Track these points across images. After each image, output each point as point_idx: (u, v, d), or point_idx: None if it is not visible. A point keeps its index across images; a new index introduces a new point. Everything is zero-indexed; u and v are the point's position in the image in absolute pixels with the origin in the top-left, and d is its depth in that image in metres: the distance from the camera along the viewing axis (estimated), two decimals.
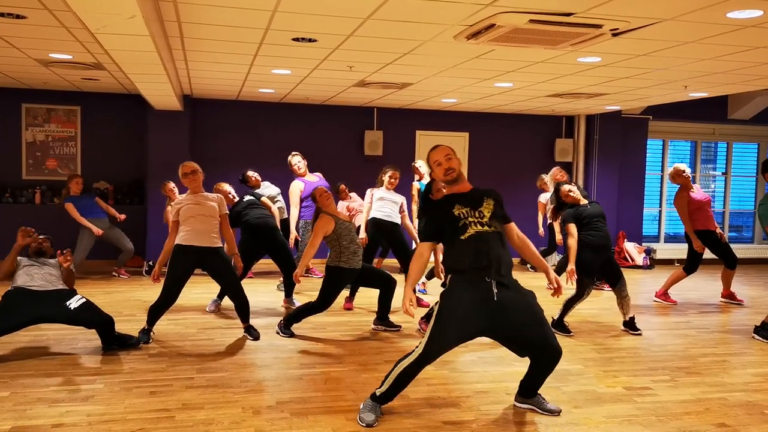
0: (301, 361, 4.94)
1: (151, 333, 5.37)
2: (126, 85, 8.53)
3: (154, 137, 9.35)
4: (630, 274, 10.08)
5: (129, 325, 5.71)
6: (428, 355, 3.60)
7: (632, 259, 10.82)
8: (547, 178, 9.13)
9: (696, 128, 11.67)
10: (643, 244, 11.24)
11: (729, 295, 7.69)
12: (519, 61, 6.30)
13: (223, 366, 4.75)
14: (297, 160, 7.85)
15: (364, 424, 3.67)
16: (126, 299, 7.03)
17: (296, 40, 5.53)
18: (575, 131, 11.08)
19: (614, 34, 4.99)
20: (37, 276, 5.00)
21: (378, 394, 3.78)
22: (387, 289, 5.80)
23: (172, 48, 6.00)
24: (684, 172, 7.18)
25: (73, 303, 4.90)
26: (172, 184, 8.35)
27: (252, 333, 5.52)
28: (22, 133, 9.39)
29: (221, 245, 5.41)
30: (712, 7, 4.24)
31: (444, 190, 4.05)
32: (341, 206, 8.49)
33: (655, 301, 7.69)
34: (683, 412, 4.06)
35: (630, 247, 10.95)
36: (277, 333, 5.66)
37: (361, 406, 3.80)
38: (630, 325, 6.06)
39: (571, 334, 5.94)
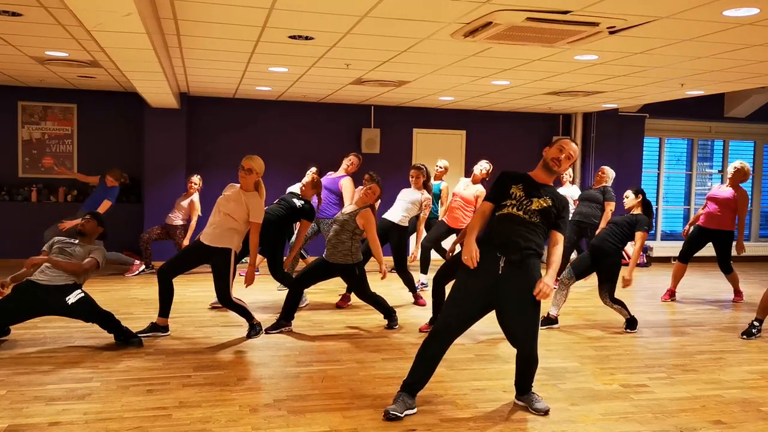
0: (298, 359, 4.94)
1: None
2: (122, 82, 8.51)
3: (151, 135, 9.33)
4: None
5: (126, 322, 5.69)
6: (443, 320, 3.77)
7: (628, 257, 10.81)
8: (571, 171, 9.22)
9: (692, 126, 11.69)
10: None
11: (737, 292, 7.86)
12: (516, 59, 6.31)
13: (220, 364, 4.75)
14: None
15: (390, 412, 3.72)
16: (122, 297, 7.03)
17: (293, 37, 5.52)
18: (572, 129, 11.08)
19: (611, 32, 4.99)
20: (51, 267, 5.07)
21: (404, 380, 3.87)
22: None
23: (168, 46, 5.99)
24: None
25: (72, 298, 4.98)
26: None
27: (250, 331, 5.52)
28: (18, 131, 9.36)
29: (228, 247, 5.27)
30: (709, 5, 4.25)
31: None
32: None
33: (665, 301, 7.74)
34: (679, 409, 4.07)
35: (626, 245, 10.94)
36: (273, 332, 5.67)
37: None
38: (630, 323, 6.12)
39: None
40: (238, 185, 5.43)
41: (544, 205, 3.76)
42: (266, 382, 4.39)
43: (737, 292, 7.80)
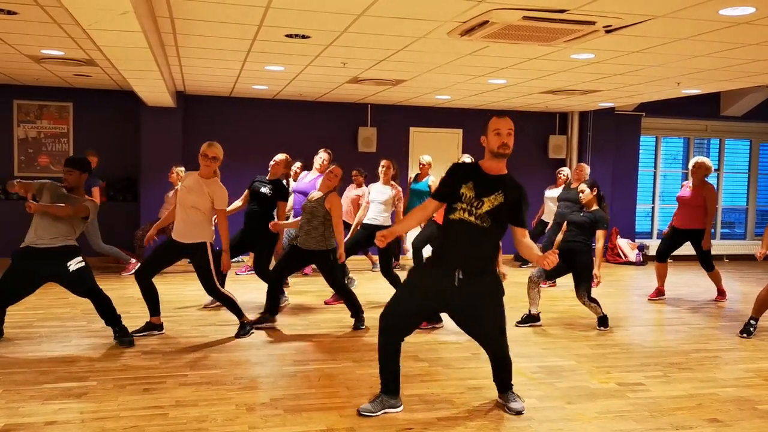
0: (295, 358, 4.94)
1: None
2: (118, 81, 8.49)
3: (147, 134, 9.32)
4: (623, 270, 10.13)
5: (124, 322, 5.68)
6: (385, 316, 3.74)
7: (625, 256, 10.86)
8: (568, 172, 9.17)
9: (688, 125, 11.71)
10: (636, 240, 11.28)
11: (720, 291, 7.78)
12: (512, 58, 6.31)
13: (216, 363, 4.74)
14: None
15: (361, 411, 3.75)
16: (119, 296, 7.00)
17: (289, 36, 5.52)
18: (568, 128, 11.10)
19: (607, 31, 5.00)
20: (47, 223, 4.87)
21: (381, 383, 3.87)
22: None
23: (164, 44, 5.97)
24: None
25: (73, 265, 4.90)
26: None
27: (240, 331, 5.49)
28: (13, 130, 9.34)
29: (202, 240, 5.23)
30: (705, 4, 4.25)
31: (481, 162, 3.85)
32: (355, 193, 8.48)
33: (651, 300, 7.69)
34: (675, 407, 4.08)
35: (623, 243, 10.98)
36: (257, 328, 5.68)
37: None
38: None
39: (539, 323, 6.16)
40: (196, 173, 5.35)
41: (496, 203, 3.61)
42: (263, 381, 4.39)
43: (720, 291, 7.72)
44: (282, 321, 6.03)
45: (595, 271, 5.90)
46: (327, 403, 3.98)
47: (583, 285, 5.95)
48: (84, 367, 4.55)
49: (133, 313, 6.06)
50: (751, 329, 5.94)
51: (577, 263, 5.94)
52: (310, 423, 3.66)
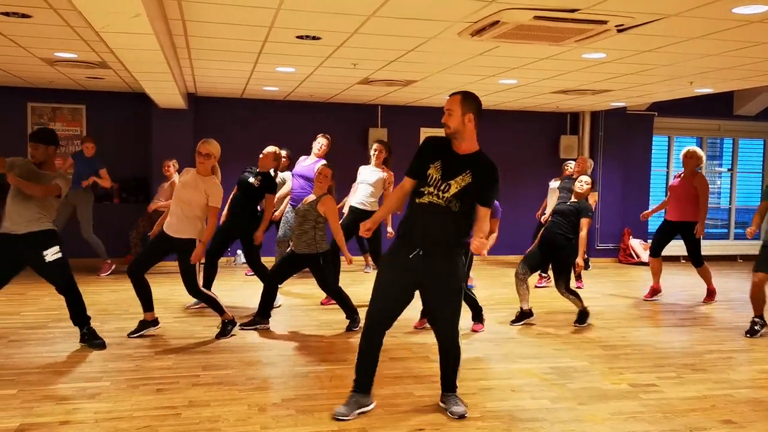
0: (307, 358, 4.95)
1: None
2: (131, 83, 8.54)
3: (159, 135, 9.37)
4: (636, 270, 10.08)
5: (133, 323, 5.72)
6: (371, 316, 3.74)
7: (638, 256, 10.80)
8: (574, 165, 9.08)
9: (701, 124, 11.62)
10: (649, 240, 11.19)
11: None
12: (523, 58, 6.29)
13: (228, 363, 4.76)
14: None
15: (336, 416, 3.72)
16: (132, 297, 7.03)
17: (300, 37, 5.53)
18: (580, 128, 11.05)
19: (619, 30, 4.98)
20: (18, 207, 4.78)
21: (354, 380, 3.86)
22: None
23: (176, 46, 6.01)
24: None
25: (49, 255, 4.83)
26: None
27: (220, 332, 5.47)
28: (27, 132, 9.42)
29: (191, 237, 5.22)
30: (718, 2, 4.23)
31: None
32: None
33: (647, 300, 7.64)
34: (689, 408, 4.06)
35: (635, 243, 10.92)
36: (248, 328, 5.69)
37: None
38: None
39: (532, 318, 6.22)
40: (194, 170, 5.37)
41: (463, 184, 3.59)
42: (275, 381, 4.40)
43: (709, 292, 7.57)
44: (293, 321, 6.06)
45: (577, 260, 5.95)
46: (338, 403, 3.97)
47: (562, 277, 6.03)
48: (97, 368, 4.58)
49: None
50: (757, 327, 5.89)
51: (556, 255, 6.01)
52: (321, 423, 3.67)
